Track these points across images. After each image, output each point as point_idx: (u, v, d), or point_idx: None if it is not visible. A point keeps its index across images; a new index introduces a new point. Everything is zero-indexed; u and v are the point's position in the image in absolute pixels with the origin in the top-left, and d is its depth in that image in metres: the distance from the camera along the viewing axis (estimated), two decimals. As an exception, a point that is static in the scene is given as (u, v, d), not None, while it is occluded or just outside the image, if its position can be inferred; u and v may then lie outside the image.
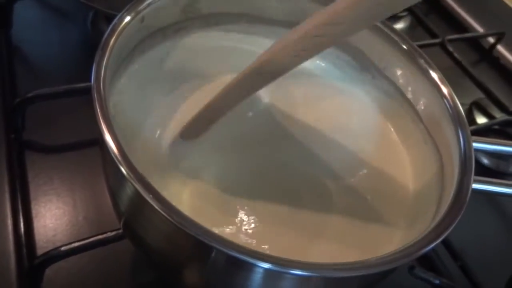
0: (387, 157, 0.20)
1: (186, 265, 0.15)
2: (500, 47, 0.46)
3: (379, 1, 0.12)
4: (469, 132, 0.16)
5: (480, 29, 0.49)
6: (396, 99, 0.21)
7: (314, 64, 0.23)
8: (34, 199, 0.22)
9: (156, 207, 0.12)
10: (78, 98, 0.24)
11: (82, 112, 0.20)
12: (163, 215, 0.12)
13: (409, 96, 0.20)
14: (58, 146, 0.24)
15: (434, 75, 0.19)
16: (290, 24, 0.22)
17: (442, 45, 0.40)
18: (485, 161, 0.34)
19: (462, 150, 0.15)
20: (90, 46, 0.22)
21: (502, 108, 0.36)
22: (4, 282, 0.19)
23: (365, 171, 0.19)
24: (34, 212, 0.22)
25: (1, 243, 0.20)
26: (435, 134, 0.18)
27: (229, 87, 0.16)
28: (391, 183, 0.19)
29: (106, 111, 0.13)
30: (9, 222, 0.21)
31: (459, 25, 0.48)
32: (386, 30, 0.20)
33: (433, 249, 0.26)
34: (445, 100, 0.18)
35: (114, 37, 0.16)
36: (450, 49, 0.40)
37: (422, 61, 0.19)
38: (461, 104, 0.36)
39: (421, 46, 0.38)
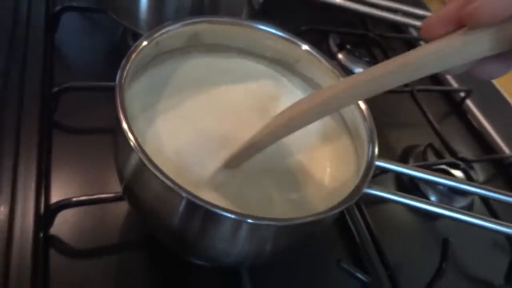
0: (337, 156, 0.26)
1: (167, 215, 0.21)
2: (468, 102, 0.53)
3: (368, 88, 0.18)
4: (375, 149, 0.22)
5: (454, 84, 0.56)
6: (337, 121, 0.27)
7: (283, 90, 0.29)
8: (55, 165, 0.28)
9: (152, 169, 0.18)
10: (102, 93, 0.30)
11: (104, 105, 0.26)
12: (156, 176, 0.18)
13: (347, 120, 0.26)
14: (80, 128, 0.31)
15: (361, 104, 0.25)
16: (273, 60, 0.28)
17: (411, 93, 0.47)
18: (432, 197, 0.40)
19: (369, 160, 0.21)
20: (117, 55, 0.29)
21: (452, 152, 0.42)
22: (23, 224, 0.25)
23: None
24: (53, 175, 0.28)
25: (25, 194, 0.26)
26: (359, 148, 0.24)
27: (265, 136, 0.22)
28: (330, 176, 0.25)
29: (123, 102, 0.20)
30: (34, 179, 0.27)
31: (434, 79, 0.55)
32: (331, 67, 0.26)
33: (370, 257, 0.31)
34: (366, 122, 0.23)
35: (135, 53, 0.22)
36: (417, 97, 0.46)
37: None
38: (418, 144, 0.43)
39: (393, 92, 0.45)
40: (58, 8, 0.36)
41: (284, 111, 0.21)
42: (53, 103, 0.31)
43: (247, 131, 0.23)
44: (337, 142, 0.26)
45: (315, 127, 0.25)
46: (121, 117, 0.19)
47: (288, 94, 0.28)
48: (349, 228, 0.32)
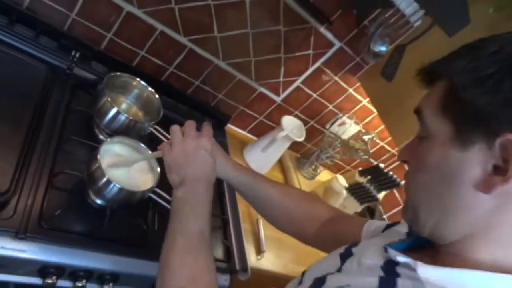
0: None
1: (99, 181, 0.81)
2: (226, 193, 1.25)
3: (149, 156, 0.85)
4: (157, 180, 0.87)
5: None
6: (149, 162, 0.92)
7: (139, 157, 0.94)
8: (58, 163, 0.87)
9: (101, 165, 0.79)
10: (82, 143, 0.92)
11: (81, 147, 0.88)
12: (101, 168, 0.79)
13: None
14: (69, 152, 0.90)
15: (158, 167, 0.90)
16: (137, 150, 0.94)
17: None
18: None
19: (152, 185, 0.86)
20: (90, 131, 0.93)
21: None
22: (43, 179, 0.83)
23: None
24: (56, 166, 0.86)
25: (46, 171, 0.84)
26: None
27: (130, 162, 0.86)
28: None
29: (100, 152, 0.82)
30: (50, 165, 0.85)
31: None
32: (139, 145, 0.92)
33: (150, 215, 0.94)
34: (157, 171, 0.89)
35: (101, 144, 0.85)
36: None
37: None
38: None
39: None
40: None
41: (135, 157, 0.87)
42: (64, 143, 0.90)
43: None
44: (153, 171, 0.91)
45: (145, 163, 0.91)
46: (99, 153, 0.82)
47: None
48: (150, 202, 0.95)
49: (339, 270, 0.47)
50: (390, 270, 0.40)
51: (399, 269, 0.40)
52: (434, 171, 0.41)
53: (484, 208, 0.37)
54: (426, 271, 0.38)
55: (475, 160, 0.37)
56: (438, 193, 0.40)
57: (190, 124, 0.72)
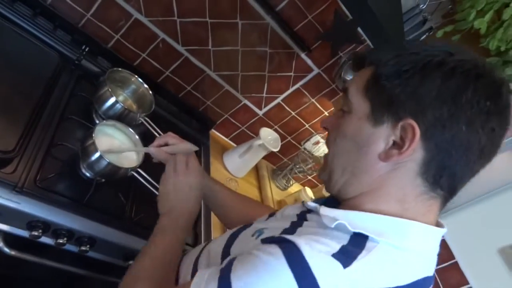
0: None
1: (92, 155, 0.95)
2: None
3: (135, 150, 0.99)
4: (141, 158, 1.01)
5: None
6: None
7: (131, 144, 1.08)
8: (57, 137, 1.01)
9: (95, 142, 0.93)
10: (80, 123, 1.06)
11: (79, 126, 1.02)
12: (95, 144, 0.93)
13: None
14: (67, 128, 1.04)
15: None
16: (128, 135, 1.08)
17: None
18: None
19: (139, 162, 1.00)
20: (89, 116, 1.07)
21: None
22: (42, 147, 0.97)
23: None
24: (56, 138, 1.00)
25: (45, 144, 0.98)
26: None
27: (125, 148, 1.01)
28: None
29: (94, 132, 0.96)
30: (49, 140, 0.99)
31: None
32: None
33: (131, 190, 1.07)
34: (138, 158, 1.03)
35: (96, 125, 1.00)
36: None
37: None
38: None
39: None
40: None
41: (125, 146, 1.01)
42: (64, 121, 1.04)
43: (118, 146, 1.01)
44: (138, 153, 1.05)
45: (134, 153, 1.05)
46: (94, 132, 0.96)
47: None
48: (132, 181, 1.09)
49: (265, 220, 0.62)
50: (302, 216, 0.54)
51: (309, 216, 0.54)
52: (350, 139, 0.51)
53: (379, 173, 0.48)
54: (325, 211, 0.50)
55: (381, 135, 0.48)
56: (350, 158, 0.51)
57: (181, 161, 0.80)
